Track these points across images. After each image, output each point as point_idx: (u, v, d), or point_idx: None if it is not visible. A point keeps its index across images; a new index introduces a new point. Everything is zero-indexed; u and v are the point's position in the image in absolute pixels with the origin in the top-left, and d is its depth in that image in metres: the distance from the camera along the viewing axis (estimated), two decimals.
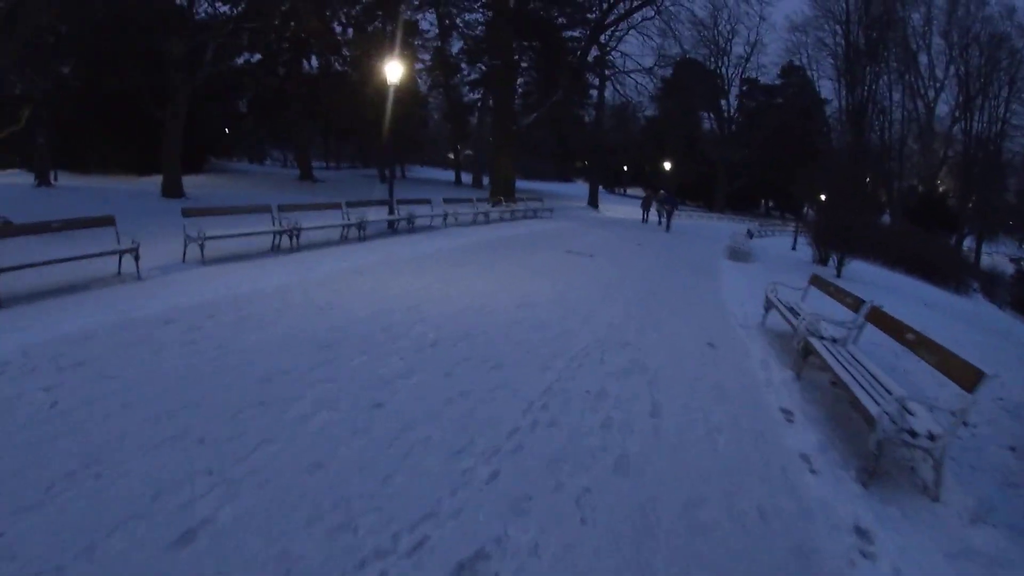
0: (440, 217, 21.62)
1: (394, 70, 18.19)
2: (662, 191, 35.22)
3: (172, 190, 24.88)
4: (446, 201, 23.00)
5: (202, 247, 11.69)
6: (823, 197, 28.80)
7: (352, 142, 56.12)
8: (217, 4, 28.77)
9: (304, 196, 27.39)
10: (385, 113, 19.73)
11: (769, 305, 10.14)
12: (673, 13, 38.42)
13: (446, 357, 6.72)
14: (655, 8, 37.69)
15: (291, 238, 14.02)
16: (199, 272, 10.72)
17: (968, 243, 64.10)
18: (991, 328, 19.65)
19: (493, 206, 27.75)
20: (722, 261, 20.15)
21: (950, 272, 36.73)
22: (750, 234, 29.43)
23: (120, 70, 26.90)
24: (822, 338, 7.51)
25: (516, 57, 39.44)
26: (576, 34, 42.50)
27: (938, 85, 71.52)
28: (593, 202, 46.77)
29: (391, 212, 19.21)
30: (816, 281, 10.19)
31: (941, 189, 68.51)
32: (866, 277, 22.21)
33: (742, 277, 16.32)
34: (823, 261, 24.11)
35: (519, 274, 12.47)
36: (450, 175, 60.76)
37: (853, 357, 6.86)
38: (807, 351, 7.37)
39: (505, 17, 34.33)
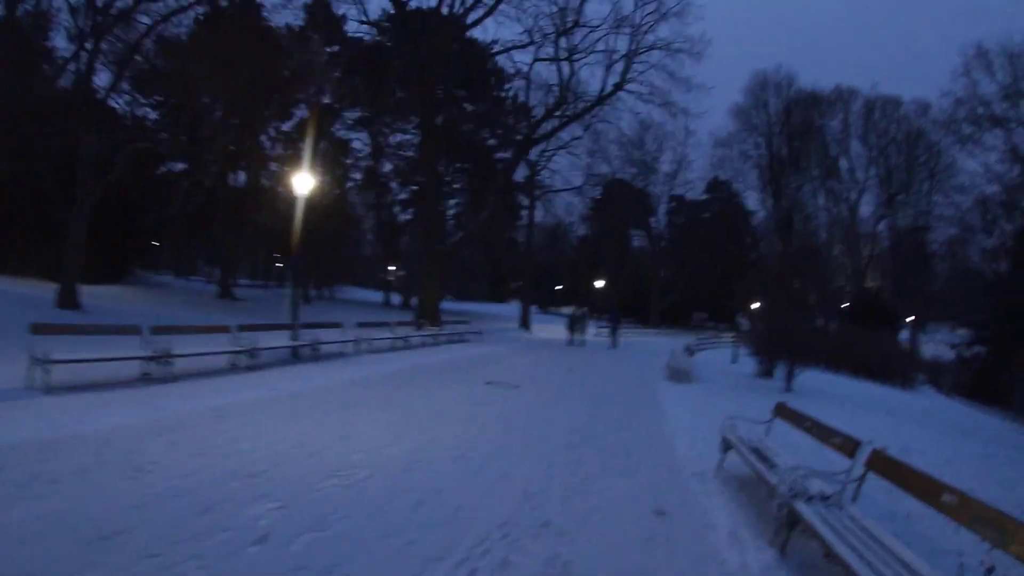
0: (352, 343, 19.36)
1: (304, 182, 17.04)
2: (584, 308, 34.55)
3: (67, 300, 21.76)
4: (360, 325, 20.83)
5: (47, 371, 9.73)
6: (759, 306, 27.96)
7: (285, 261, 53.63)
8: (139, 101, 27.10)
9: (213, 315, 25.23)
10: (296, 226, 17.84)
11: (727, 445, 8.16)
12: (601, 131, 38.30)
13: (269, 568, 4.42)
14: (583, 126, 37.38)
15: (161, 365, 11.76)
16: (34, 402, 8.85)
17: (906, 335, 64.88)
18: (976, 431, 18.00)
19: (417, 330, 25.98)
20: (662, 384, 18.21)
21: (895, 367, 36.48)
22: (689, 350, 27.76)
23: (28, 165, 24.85)
24: (810, 498, 5.48)
25: (447, 178, 38.59)
26: (507, 155, 41.95)
27: (860, 187, 74.06)
28: (525, 323, 45.10)
29: (294, 337, 16.96)
30: (783, 413, 8.26)
31: (870, 286, 69.55)
32: (817, 387, 20.65)
33: (687, 402, 14.39)
34: (768, 373, 22.70)
35: (423, 416, 10.23)
36: (382, 296, 58.69)
37: (860, 526, 4.87)
38: (793, 519, 5.33)
39: (434, 137, 33.29)
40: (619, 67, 35.12)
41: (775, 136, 76.07)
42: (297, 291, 20.78)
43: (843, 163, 76.20)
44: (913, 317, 66.33)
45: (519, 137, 37.96)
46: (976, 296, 62.71)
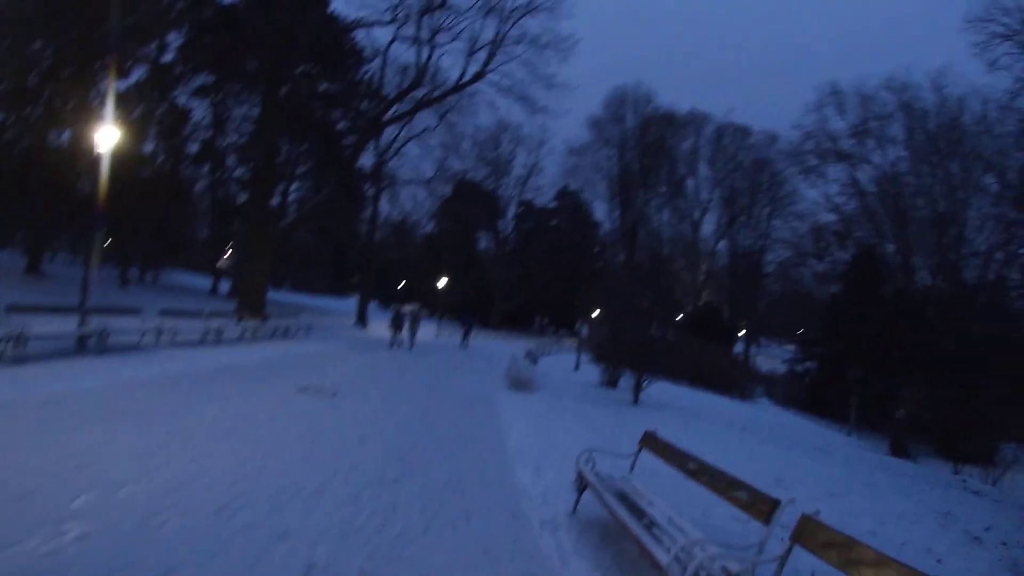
0: (153, 334, 16.50)
1: (108, 136, 14.40)
2: (408, 306, 31.66)
3: None
4: (164, 314, 17.89)
5: None
6: (600, 313, 27.32)
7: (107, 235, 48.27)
8: None
9: (13, 293, 21.19)
10: (100, 189, 15.20)
11: (583, 484, 6.52)
12: (456, 124, 36.31)
13: None
14: (438, 115, 35.31)
15: None
16: None
17: (740, 348, 67.87)
18: (832, 451, 17.33)
19: (237, 322, 23.07)
20: (502, 393, 16.60)
21: (733, 379, 36.90)
22: (530, 356, 26.42)
23: None
24: None
25: (291, 160, 35.56)
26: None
27: (703, 207, 76.71)
28: (362, 319, 42.60)
29: (83, 324, 14.04)
30: (653, 445, 6.72)
31: (706, 302, 72.01)
32: (663, 400, 19.73)
33: (529, 417, 12.84)
34: (612, 383, 21.89)
35: (203, 435, 7.89)
36: (212, 284, 54.12)
37: None
38: None
39: (276, 111, 30.39)
40: (481, 57, 33.58)
41: (628, 150, 78.24)
42: (91, 266, 17.49)
43: (690, 182, 79.60)
44: (745, 332, 69.25)
45: (368, 118, 35.48)
46: (806, 315, 66.97)
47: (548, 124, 65.15)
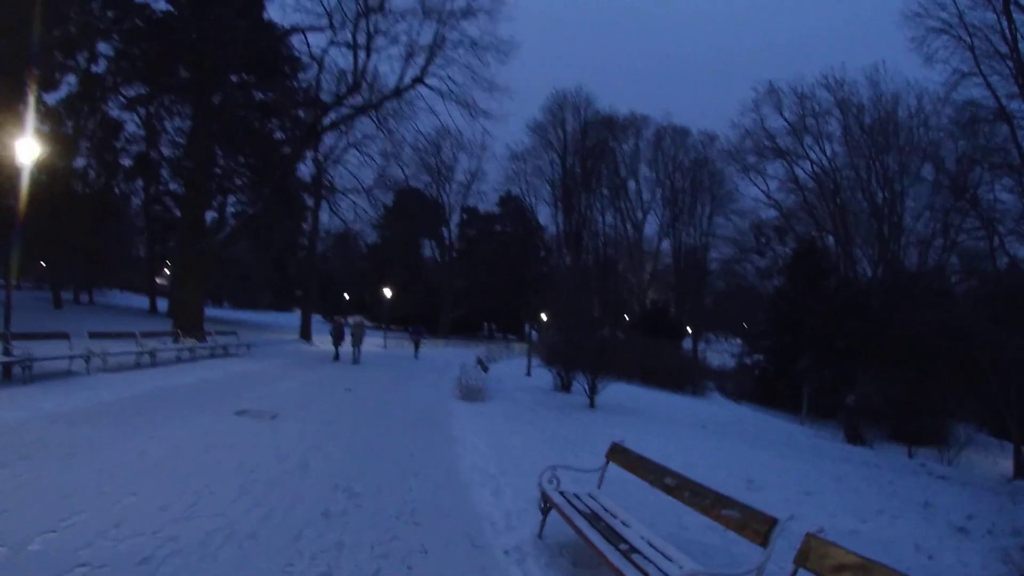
0: (83, 359, 15.43)
1: (28, 149, 13.55)
2: (351, 317, 30.30)
3: None
4: (94, 336, 16.78)
5: None
6: (549, 317, 26.95)
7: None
8: None
9: None
10: (20, 203, 14.31)
11: (547, 504, 5.90)
12: (396, 131, 35.13)
13: None
14: (377, 123, 34.23)
15: None
16: None
17: (689, 345, 69.00)
18: (792, 443, 17.01)
19: (174, 342, 22.14)
20: (454, 404, 15.86)
21: (685, 376, 38.38)
22: (481, 364, 25.72)
23: None
24: None
25: (227, 172, 34.24)
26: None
27: (646, 208, 77.25)
28: (305, 335, 41.39)
29: (5, 351, 12.98)
30: (620, 458, 6.15)
31: (653, 301, 72.51)
32: (618, 402, 19.23)
33: (484, 429, 12.16)
34: (566, 387, 21.39)
35: (125, 473, 7.04)
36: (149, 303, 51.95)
37: None
38: None
39: (208, 120, 29.27)
40: (420, 61, 32.71)
41: (570, 155, 79.18)
42: (9, 287, 16.34)
43: (631, 184, 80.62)
44: (693, 329, 70.28)
45: (305, 125, 34.25)
46: (751, 310, 68.31)
47: (490, 129, 65.06)
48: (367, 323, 32.43)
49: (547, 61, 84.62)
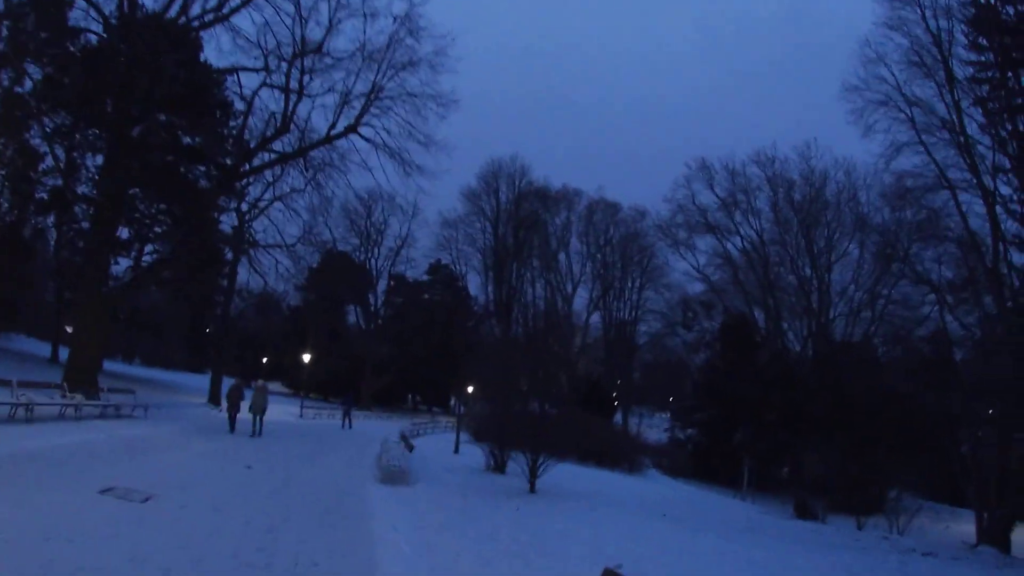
0: None
1: None
2: (260, 381, 26.47)
3: None
4: None
5: None
6: (481, 391, 25.35)
7: None
8: None
9: None
10: None
11: None
12: (324, 185, 32.66)
13: None
14: (303, 171, 31.87)
15: None
16: None
17: (619, 419, 68.03)
18: (764, 530, 15.33)
19: (62, 397, 19.51)
20: (373, 487, 13.46)
21: (621, 453, 37.42)
22: (404, 440, 23.30)
23: None
24: None
25: (146, 219, 31.47)
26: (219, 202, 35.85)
27: (576, 280, 77.10)
28: (215, 399, 38.17)
29: None
30: None
31: (586, 374, 71.46)
32: (561, 484, 17.19)
33: (408, 522, 10.05)
34: (500, 468, 19.38)
35: None
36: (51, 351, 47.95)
37: None
38: None
39: (124, 155, 26.77)
40: (355, 111, 30.56)
41: (502, 224, 78.54)
42: None
43: (562, 257, 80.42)
44: (621, 403, 70.22)
45: (226, 164, 31.79)
46: (678, 384, 68.21)
47: (425, 188, 62.79)
48: (271, 388, 29.57)
49: (483, 129, 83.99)
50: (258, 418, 22.79)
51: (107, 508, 8.46)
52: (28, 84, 29.11)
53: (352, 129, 30.37)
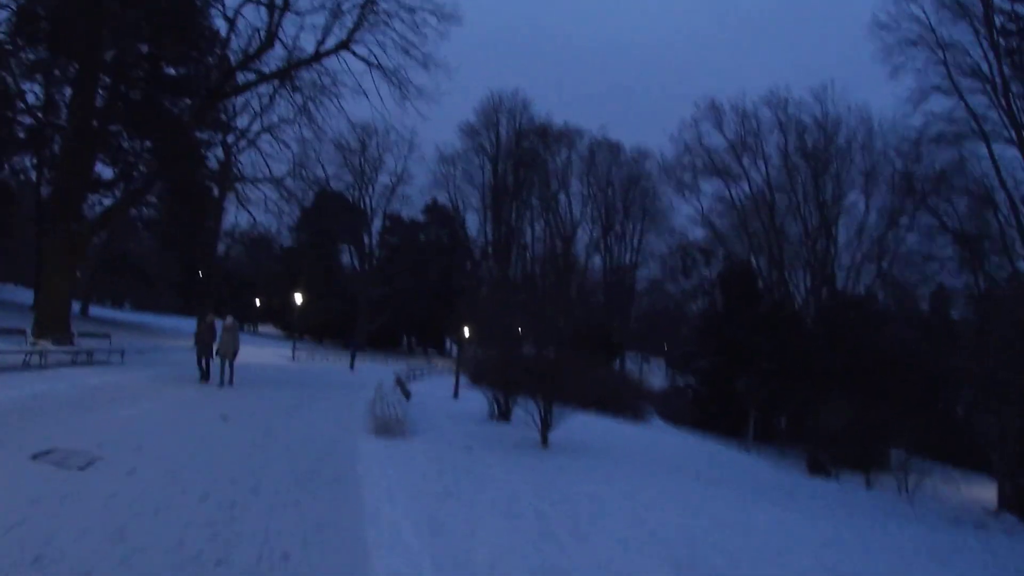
0: None
1: None
2: (230, 318, 21.44)
3: None
4: None
5: None
6: (478, 332, 23.71)
7: None
8: None
9: None
10: None
11: None
12: (313, 113, 30.10)
13: None
14: (289, 92, 29.42)
15: None
16: None
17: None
18: (798, 493, 13.94)
19: (33, 343, 18.07)
20: (364, 441, 11.73)
21: (625, 400, 36.46)
22: (401, 387, 21.40)
23: None
24: None
25: (130, 157, 29.30)
26: (204, 136, 33.81)
27: (576, 222, 75.22)
28: None
29: None
30: None
31: (588, 318, 70.49)
32: (573, 437, 15.45)
33: (407, 487, 8.36)
34: (504, 415, 17.95)
35: None
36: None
37: None
38: None
39: (95, 80, 24.67)
40: (348, 24, 27.92)
41: (501, 161, 76.18)
42: None
43: (562, 198, 78.08)
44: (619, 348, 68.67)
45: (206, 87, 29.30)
46: (673, 331, 70.36)
47: (420, 120, 60.17)
48: (263, 331, 27.60)
49: (482, 66, 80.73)
50: (227, 363, 18.63)
51: (34, 478, 6.76)
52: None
53: (344, 45, 27.65)
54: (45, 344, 18.71)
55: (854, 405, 26.32)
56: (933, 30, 31.14)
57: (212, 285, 43.93)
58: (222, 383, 18.10)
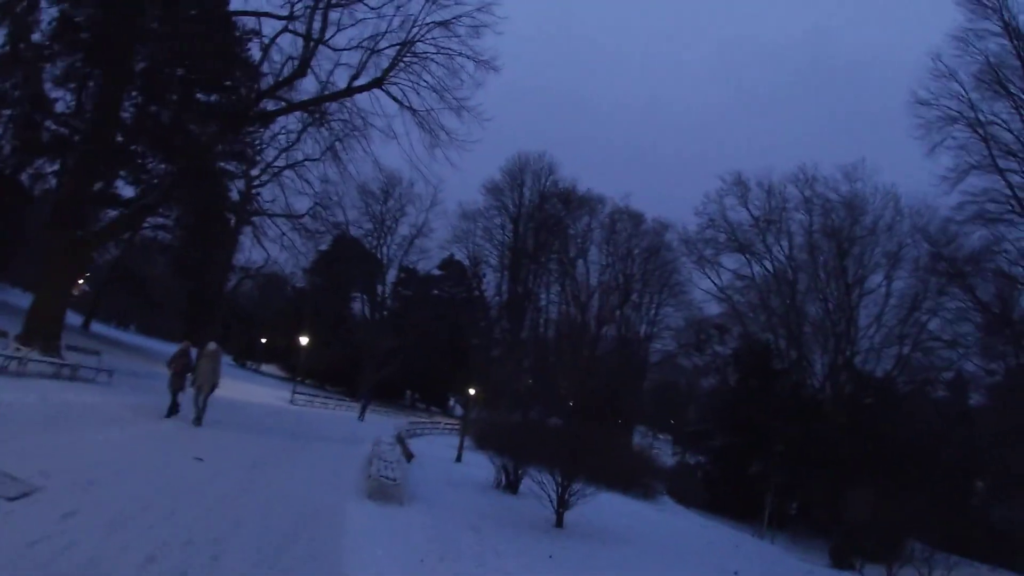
0: None
1: None
2: (213, 345, 17.84)
3: None
4: None
5: None
6: (487, 394, 22.39)
7: None
8: None
9: None
10: None
11: None
12: (340, 154, 29.16)
13: None
14: (319, 137, 28.62)
15: None
16: None
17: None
18: None
19: (16, 350, 16.97)
20: (355, 505, 10.13)
21: (635, 477, 33.68)
22: (402, 446, 19.49)
23: None
24: None
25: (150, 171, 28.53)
26: (230, 167, 33.43)
27: (592, 291, 74.03)
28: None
29: None
30: None
31: (597, 387, 68.99)
32: (588, 517, 13.70)
33: (398, 572, 6.82)
34: (512, 487, 16.29)
35: None
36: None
37: None
38: None
39: (119, 86, 24.35)
40: (383, 63, 26.93)
41: (523, 223, 74.90)
42: None
43: (579, 263, 75.51)
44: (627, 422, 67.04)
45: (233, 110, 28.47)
46: (681, 407, 69.95)
47: (442, 182, 58.67)
48: (266, 371, 26.05)
49: (506, 127, 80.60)
50: (202, 398, 16.16)
51: None
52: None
53: (378, 83, 26.57)
54: (28, 351, 17.49)
55: (878, 494, 24.90)
56: (973, 107, 30.97)
57: (217, 316, 42.62)
58: (198, 419, 15.77)
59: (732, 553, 16.91)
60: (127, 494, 7.42)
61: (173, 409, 16.06)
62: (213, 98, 30.00)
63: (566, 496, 12.35)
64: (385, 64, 26.87)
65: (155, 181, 29.83)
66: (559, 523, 12.10)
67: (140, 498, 7.38)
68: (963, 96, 31.30)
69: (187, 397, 16.06)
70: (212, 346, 17.12)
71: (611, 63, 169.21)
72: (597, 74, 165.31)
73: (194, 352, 17.20)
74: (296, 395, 41.21)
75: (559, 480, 12.46)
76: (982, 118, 30.87)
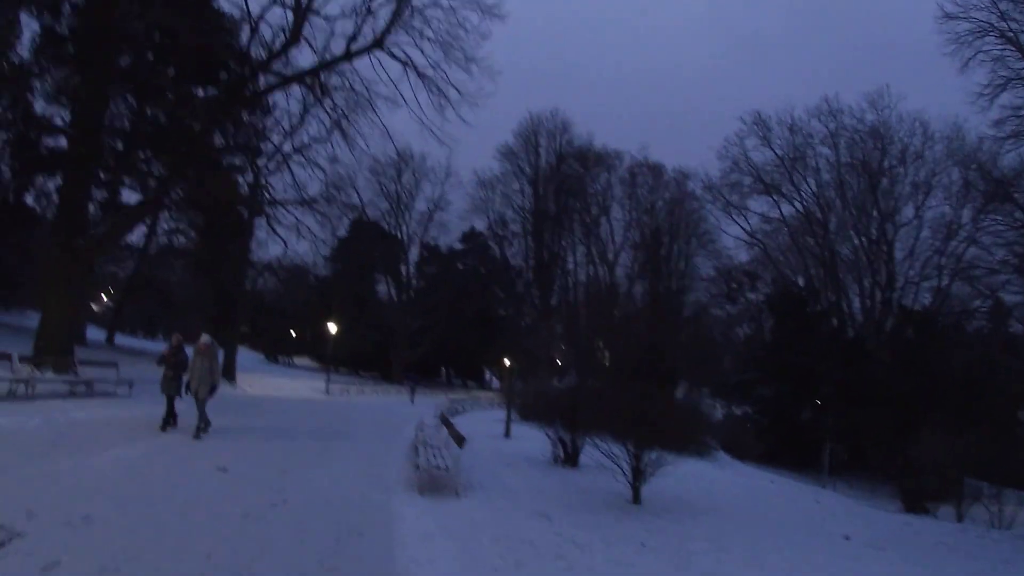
0: None
1: None
2: (207, 339, 15.15)
3: None
4: None
5: None
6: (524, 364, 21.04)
7: None
8: None
9: None
10: None
11: None
12: (346, 130, 27.60)
13: None
14: (317, 95, 26.93)
15: None
16: None
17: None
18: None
19: (32, 370, 16.12)
20: (404, 503, 8.78)
21: (690, 434, 32.56)
22: (450, 429, 17.83)
23: None
24: None
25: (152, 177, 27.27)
26: (236, 162, 32.44)
27: (617, 248, 72.63)
28: (227, 373, 33.63)
29: None
30: None
31: (643, 343, 67.72)
32: (664, 489, 12.29)
33: None
34: (571, 460, 15.18)
35: None
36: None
37: None
38: None
39: (104, 81, 22.87)
40: (381, 23, 25.17)
41: (542, 185, 73.57)
42: None
43: (603, 221, 74.37)
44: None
45: (224, 85, 26.88)
46: (716, 357, 66.48)
47: (454, 152, 57.76)
48: (298, 363, 24.90)
49: (518, 90, 78.26)
50: (200, 403, 13.37)
51: None
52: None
53: (378, 44, 24.87)
54: (38, 371, 16.53)
55: (942, 433, 23.58)
56: (1004, 17, 29.20)
57: (243, 313, 41.50)
58: (197, 435, 12.96)
59: (819, 511, 15.50)
60: (128, 528, 6.06)
61: (169, 418, 13.59)
62: (208, 91, 28.94)
63: (641, 467, 10.97)
64: (383, 27, 25.27)
65: (161, 187, 28.81)
66: (635, 499, 10.77)
67: (143, 532, 6.02)
68: (993, 7, 29.38)
69: (188, 402, 13.64)
70: (206, 339, 14.11)
71: (615, 30, 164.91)
72: (603, 42, 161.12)
73: (190, 350, 14.41)
74: (331, 384, 40.10)
75: (632, 450, 11.08)
76: (1014, 27, 29.09)
